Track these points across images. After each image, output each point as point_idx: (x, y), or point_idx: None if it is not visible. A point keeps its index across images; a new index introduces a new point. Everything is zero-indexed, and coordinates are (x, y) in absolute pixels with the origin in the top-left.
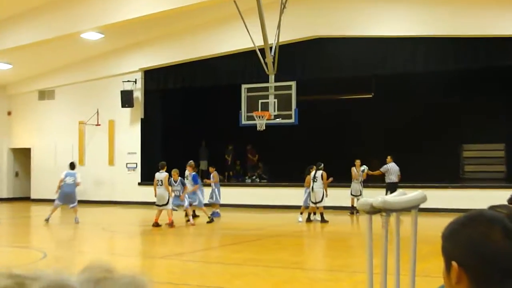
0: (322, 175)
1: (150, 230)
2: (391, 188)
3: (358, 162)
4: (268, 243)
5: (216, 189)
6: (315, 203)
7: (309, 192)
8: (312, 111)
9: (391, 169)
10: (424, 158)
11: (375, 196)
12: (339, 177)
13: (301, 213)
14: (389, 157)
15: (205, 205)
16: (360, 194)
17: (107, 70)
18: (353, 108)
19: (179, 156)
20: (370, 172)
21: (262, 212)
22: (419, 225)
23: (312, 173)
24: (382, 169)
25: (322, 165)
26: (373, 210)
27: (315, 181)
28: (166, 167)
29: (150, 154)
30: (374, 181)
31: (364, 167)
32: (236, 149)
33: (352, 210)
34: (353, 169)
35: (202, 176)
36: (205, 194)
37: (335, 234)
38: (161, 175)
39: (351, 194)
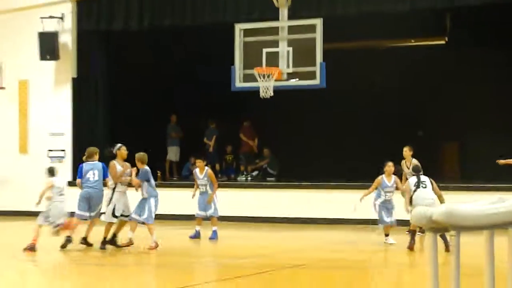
0: (432, 182)
1: (87, 256)
2: None
3: (408, 148)
4: (280, 278)
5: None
6: None
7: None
8: (349, 66)
9: None
10: None
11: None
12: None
13: (387, 234)
14: None
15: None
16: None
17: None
18: (418, 60)
19: (134, 139)
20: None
21: (267, 228)
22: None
23: (412, 179)
24: None
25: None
26: (436, 226)
27: (424, 187)
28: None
29: (87, 136)
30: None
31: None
32: (224, 127)
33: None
34: (404, 163)
35: (172, 172)
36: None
37: (387, 263)
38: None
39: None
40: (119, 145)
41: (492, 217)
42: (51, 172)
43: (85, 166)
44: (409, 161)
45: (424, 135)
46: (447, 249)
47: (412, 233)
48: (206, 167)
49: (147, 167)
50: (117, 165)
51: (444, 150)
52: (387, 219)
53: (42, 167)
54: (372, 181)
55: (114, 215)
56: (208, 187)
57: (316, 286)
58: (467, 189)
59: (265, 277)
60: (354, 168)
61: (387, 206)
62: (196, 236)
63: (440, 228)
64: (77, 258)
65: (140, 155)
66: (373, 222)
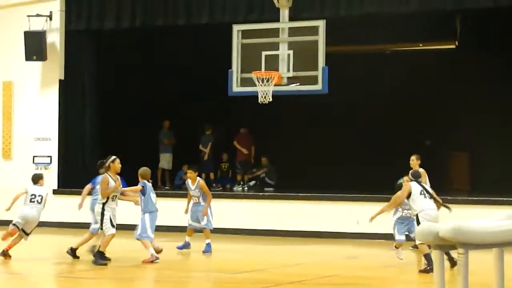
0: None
1: (74, 270)
2: None
3: (415, 157)
4: None
5: (203, 205)
6: None
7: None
8: (353, 71)
9: None
10: None
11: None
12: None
13: (397, 247)
14: None
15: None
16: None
17: None
18: (427, 65)
19: (124, 146)
20: None
21: (265, 242)
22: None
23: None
24: None
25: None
26: (444, 243)
27: (429, 197)
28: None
29: (74, 141)
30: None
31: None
32: (220, 134)
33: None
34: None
35: (164, 181)
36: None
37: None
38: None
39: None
40: (113, 157)
41: (502, 234)
42: (33, 179)
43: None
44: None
45: (432, 144)
46: (452, 265)
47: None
48: (198, 178)
49: (144, 181)
50: (110, 180)
51: (453, 160)
52: (400, 237)
53: (26, 174)
54: (375, 192)
55: (112, 225)
56: (201, 199)
57: None
58: (477, 203)
59: None
60: (358, 178)
61: (404, 222)
62: (185, 247)
63: (447, 246)
64: (65, 271)
65: (142, 170)
66: (379, 236)
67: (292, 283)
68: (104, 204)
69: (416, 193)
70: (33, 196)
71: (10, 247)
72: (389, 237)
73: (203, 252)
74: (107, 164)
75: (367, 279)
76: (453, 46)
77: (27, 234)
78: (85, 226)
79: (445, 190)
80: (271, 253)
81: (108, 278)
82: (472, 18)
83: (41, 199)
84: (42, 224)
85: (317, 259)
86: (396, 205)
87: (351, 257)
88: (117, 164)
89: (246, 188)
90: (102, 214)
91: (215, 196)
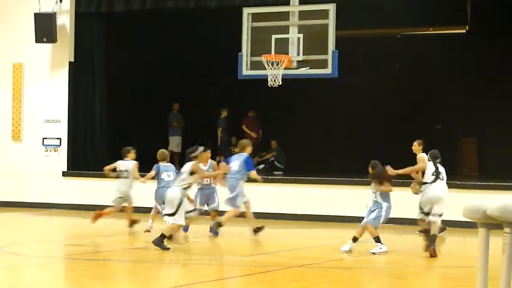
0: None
1: (83, 252)
2: None
3: (417, 143)
4: (285, 278)
5: (213, 188)
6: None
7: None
8: (363, 55)
9: None
10: None
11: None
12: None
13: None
14: None
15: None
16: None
17: None
18: (437, 50)
19: (134, 128)
20: None
21: (273, 225)
22: None
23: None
24: None
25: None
26: (490, 222)
27: (441, 178)
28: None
29: (84, 124)
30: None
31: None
32: (229, 117)
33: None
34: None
35: (175, 163)
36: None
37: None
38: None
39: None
40: (202, 148)
41: None
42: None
43: (162, 167)
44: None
45: (442, 129)
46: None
47: (427, 234)
48: (210, 160)
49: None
50: (202, 167)
51: (462, 146)
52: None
53: (36, 156)
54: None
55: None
56: (211, 180)
57: (323, 287)
58: (487, 188)
59: (269, 276)
60: (367, 162)
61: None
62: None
63: (493, 224)
64: (73, 252)
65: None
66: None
67: (300, 266)
68: (185, 189)
69: (429, 173)
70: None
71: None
72: (398, 221)
73: (213, 233)
74: (195, 154)
75: (375, 263)
76: (464, 31)
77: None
78: (93, 208)
79: (455, 175)
80: (280, 237)
81: (116, 260)
82: (483, 3)
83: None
84: (51, 206)
85: (326, 242)
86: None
87: (360, 240)
88: (207, 154)
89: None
90: (181, 201)
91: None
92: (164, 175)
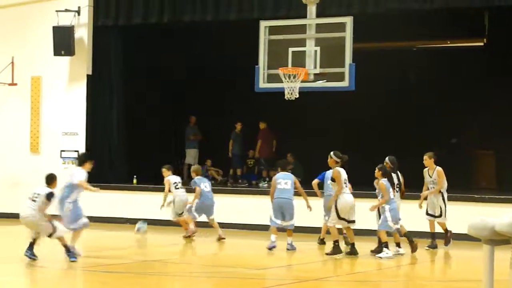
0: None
1: (101, 264)
2: None
3: (427, 156)
4: None
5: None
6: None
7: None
8: (380, 68)
9: None
10: None
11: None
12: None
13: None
14: None
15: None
16: (441, 215)
17: None
18: (455, 63)
19: (151, 141)
20: None
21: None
22: None
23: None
24: None
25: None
26: (496, 238)
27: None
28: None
29: (102, 136)
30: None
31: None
32: (246, 130)
33: (433, 241)
34: (426, 171)
35: (190, 176)
36: None
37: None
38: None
39: (427, 214)
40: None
41: None
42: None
43: (198, 180)
44: (433, 169)
45: (458, 143)
46: (413, 250)
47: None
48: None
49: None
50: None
51: (479, 159)
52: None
53: (54, 168)
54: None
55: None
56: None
57: None
58: (505, 201)
59: None
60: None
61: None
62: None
63: (499, 240)
64: (92, 264)
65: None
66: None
67: (317, 280)
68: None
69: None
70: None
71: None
72: (415, 234)
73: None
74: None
75: (392, 277)
76: (481, 44)
77: None
78: (111, 220)
79: (472, 188)
80: (297, 249)
81: (134, 273)
82: (500, 15)
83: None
84: None
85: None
86: None
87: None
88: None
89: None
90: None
91: (240, 192)
92: (203, 187)
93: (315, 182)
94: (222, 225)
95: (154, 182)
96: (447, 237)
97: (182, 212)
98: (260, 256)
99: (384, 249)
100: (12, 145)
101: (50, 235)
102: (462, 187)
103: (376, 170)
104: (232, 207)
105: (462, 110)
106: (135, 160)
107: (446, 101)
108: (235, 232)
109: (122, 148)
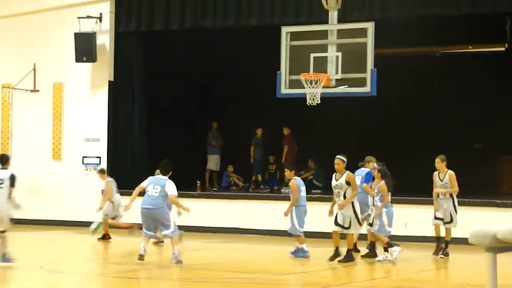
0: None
1: (123, 270)
2: None
3: (440, 159)
4: None
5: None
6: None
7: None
8: (402, 73)
9: None
10: None
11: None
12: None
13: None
14: None
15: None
16: (451, 221)
17: None
18: (477, 68)
19: (172, 146)
20: None
21: (313, 244)
22: None
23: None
24: None
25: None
26: (498, 245)
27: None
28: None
29: (123, 142)
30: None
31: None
32: (267, 135)
33: (438, 247)
34: (436, 174)
35: (212, 182)
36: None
37: None
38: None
39: (435, 218)
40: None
41: None
42: None
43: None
44: (444, 172)
45: (482, 148)
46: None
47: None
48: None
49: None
50: None
51: (502, 164)
52: None
53: (76, 175)
54: (423, 194)
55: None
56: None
57: None
58: None
59: None
60: (406, 180)
61: None
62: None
63: (501, 248)
64: (114, 270)
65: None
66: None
67: (340, 285)
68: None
69: None
70: None
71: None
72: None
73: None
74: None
75: (415, 282)
76: (503, 49)
77: None
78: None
79: (495, 194)
80: (319, 255)
81: (155, 279)
82: None
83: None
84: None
85: (365, 261)
86: None
87: (401, 260)
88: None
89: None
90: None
91: (263, 198)
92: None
93: (365, 186)
94: (243, 231)
95: (176, 188)
96: (445, 247)
97: (116, 216)
98: (282, 261)
99: (385, 252)
100: (34, 152)
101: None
102: (485, 192)
103: (376, 172)
104: (254, 213)
105: (484, 115)
106: (156, 166)
107: (469, 106)
108: (258, 238)
109: (144, 154)
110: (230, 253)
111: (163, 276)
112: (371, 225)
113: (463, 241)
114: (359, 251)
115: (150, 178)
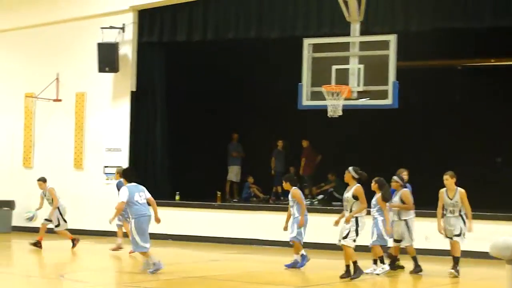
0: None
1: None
2: None
3: (449, 175)
4: None
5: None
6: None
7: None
8: (424, 86)
9: None
10: None
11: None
12: None
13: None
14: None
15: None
16: (459, 234)
17: (74, 8)
18: (498, 81)
19: (194, 156)
20: None
21: (332, 256)
22: None
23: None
24: None
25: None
26: None
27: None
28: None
29: (145, 152)
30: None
31: None
32: (288, 147)
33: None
34: (444, 191)
35: (232, 193)
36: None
37: None
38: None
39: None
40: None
41: None
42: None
43: None
44: (453, 190)
45: (503, 162)
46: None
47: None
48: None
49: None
50: None
51: None
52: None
53: (97, 184)
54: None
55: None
56: (295, 209)
57: None
58: None
59: None
60: (430, 194)
61: None
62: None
63: None
64: (131, 280)
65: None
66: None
67: None
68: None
69: None
70: None
71: None
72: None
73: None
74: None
75: None
76: None
77: None
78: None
79: None
80: (338, 268)
81: None
82: None
83: None
84: (113, 234)
85: (386, 274)
86: None
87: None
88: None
89: (315, 202)
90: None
91: (283, 210)
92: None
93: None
94: (263, 242)
95: (196, 199)
96: (455, 264)
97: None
98: (301, 273)
99: (381, 264)
100: (56, 161)
101: None
102: (506, 206)
103: (373, 183)
104: (274, 224)
105: (506, 128)
106: (177, 176)
107: (490, 119)
108: (277, 250)
109: (165, 164)
110: (248, 264)
111: (180, 286)
112: (398, 241)
113: (484, 255)
114: (403, 267)
115: (126, 189)
